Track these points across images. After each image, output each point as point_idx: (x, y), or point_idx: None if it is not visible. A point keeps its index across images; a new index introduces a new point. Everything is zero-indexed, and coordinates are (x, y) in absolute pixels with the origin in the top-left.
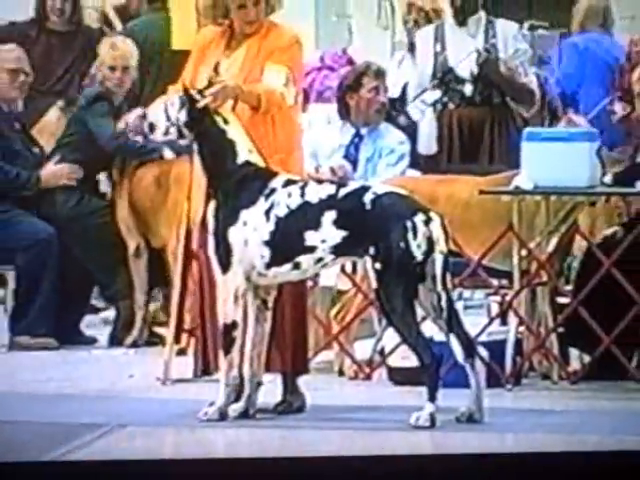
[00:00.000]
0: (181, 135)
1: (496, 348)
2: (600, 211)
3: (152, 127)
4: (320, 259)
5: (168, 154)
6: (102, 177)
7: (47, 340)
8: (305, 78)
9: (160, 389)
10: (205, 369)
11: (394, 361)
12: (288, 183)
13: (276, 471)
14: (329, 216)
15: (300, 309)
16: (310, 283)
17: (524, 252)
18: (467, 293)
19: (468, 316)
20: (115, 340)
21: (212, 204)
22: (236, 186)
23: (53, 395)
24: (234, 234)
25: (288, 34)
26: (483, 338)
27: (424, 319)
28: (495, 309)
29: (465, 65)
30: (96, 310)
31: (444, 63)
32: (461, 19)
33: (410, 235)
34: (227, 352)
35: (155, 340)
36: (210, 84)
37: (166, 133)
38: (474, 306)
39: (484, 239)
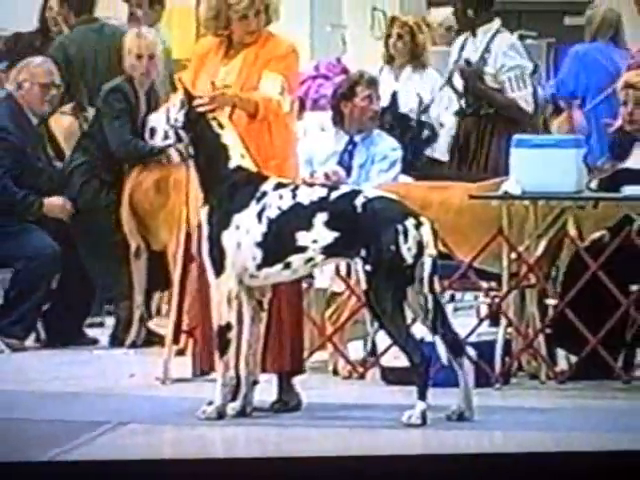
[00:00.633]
0: (179, 138)
1: (485, 348)
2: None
3: (152, 131)
4: (311, 259)
5: (176, 158)
6: None
7: (15, 342)
8: (300, 86)
9: (160, 388)
10: (203, 369)
11: (387, 361)
12: (279, 186)
13: (273, 469)
14: (321, 217)
15: (296, 311)
16: (305, 285)
17: (513, 255)
18: (458, 295)
19: (458, 317)
20: (116, 341)
21: (205, 208)
22: (229, 190)
23: (57, 393)
24: (227, 238)
25: (284, 44)
26: (473, 339)
27: (415, 320)
28: (485, 311)
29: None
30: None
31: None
32: (471, 30)
33: (401, 238)
34: (223, 353)
35: (155, 340)
36: (212, 89)
37: (165, 137)
38: (464, 307)
39: (475, 243)
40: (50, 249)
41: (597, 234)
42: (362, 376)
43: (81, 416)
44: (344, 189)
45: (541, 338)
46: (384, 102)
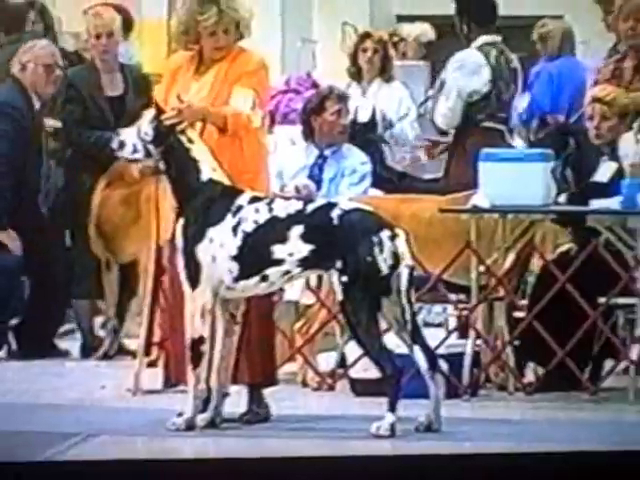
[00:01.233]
0: (148, 153)
1: (454, 360)
2: None
3: (121, 144)
4: (288, 272)
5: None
6: None
7: None
8: (271, 101)
9: (131, 400)
10: (174, 380)
11: (356, 373)
12: (254, 200)
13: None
14: (297, 230)
15: (267, 323)
16: (275, 297)
17: (482, 268)
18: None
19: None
20: (86, 352)
21: (180, 222)
22: (203, 204)
23: (28, 405)
24: (202, 251)
25: (255, 59)
26: (442, 351)
27: (386, 332)
28: (454, 323)
29: None
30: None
31: None
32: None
33: (377, 250)
34: (195, 366)
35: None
36: (180, 103)
37: (134, 151)
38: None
39: (445, 255)
40: (11, 263)
41: (565, 247)
42: (331, 387)
43: (52, 427)
44: (320, 202)
45: (509, 350)
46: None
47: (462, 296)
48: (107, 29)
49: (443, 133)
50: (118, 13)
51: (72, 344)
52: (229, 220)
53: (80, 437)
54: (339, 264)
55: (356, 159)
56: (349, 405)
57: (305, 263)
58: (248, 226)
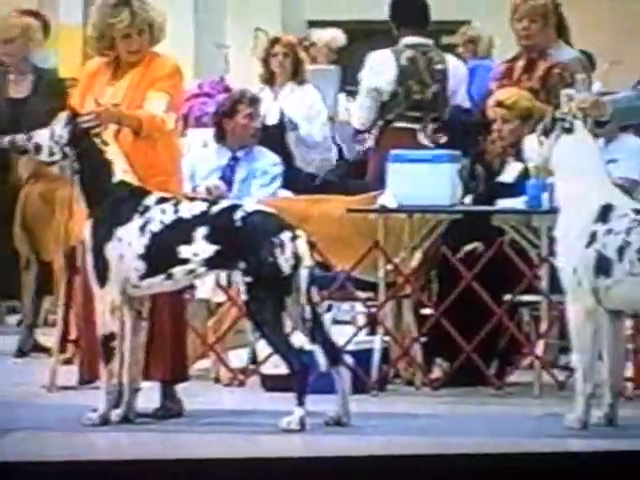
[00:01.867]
0: (65, 155)
1: (363, 356)
2: None
3: (38, 148)
4: (192, 271)
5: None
6: None
7: None
8: (184, 104)
9: (46, 396)
10: (89, 377)
11: (267, 369)
12: (161, 200)
13: (155, 473)
14: (201, 231)
15: (179, 321)
16: (187, 296)
17: (390, 266)
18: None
19: (337, 326)
20: None
21: (90, 222)
22: (112, 204)
23: None
24: (110, 250)
25: (169, 63)
26: (351, 347)
27: (294, 329)
28: (362, 320)
29: None
30: None
31: None
32: None
33: (278, 251)
34: (107, 361)
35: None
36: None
37: (51, 154)
38: (341, 320)
39: (355, 254)
40: None
41: (470, 246)
42: (243, 383)
43: None
44: (224, 204)
45: (417, 346)
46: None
47: (371, 294)
48: (7, 35)
49: (359, 132)
50: (35, 18)
51: None
52: (137, 220)
53: None
54: (242, 265)
55: (267, 161)
56: (260, 400)
57: (209, 263)
58: (155, 226)
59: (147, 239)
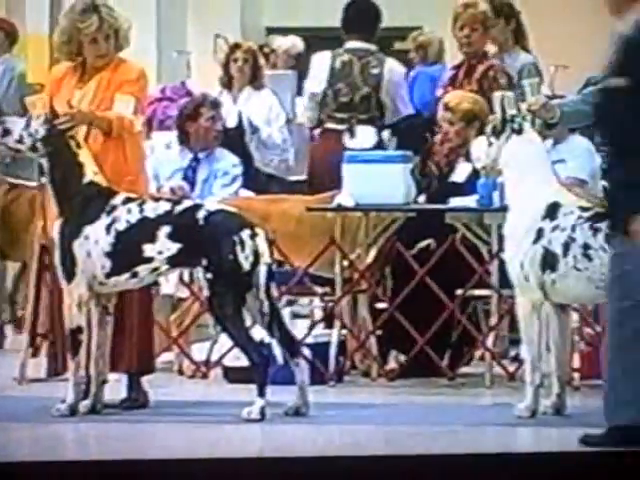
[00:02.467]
0: (34, 148)
1: (321, 349)
2: None
3: (6, 132)
4: (156, 269)
5: None
6: None
7: None
8: (148, 108)
9: (17, 388)
10: (57, 369)
11: (228, 361)
12: (127, 201)
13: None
14: (165, 230)
15: (146, 315)
16: (152, 292)
17: (346, 262)
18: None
19: (295, 320)
20: None
21: (59, 220)
22: (81, 204)
23: None
24: (78, 247)
25: (135, 68)
26: (309, 340)
27: (254, 323)
28: (320, 314)
29: None
30: None
31: None
32: None
33: (238, 248)
34: (74, 354)
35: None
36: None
37: (20, 141)
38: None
39: (313, 251)
40: None
41: (424, 243)
42: (205, 375)
43: None
44: (187, 203)
45: (373, 339)
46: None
47: (327, 289)
48: None
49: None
50: (1, 28)
51: None
52: (104, 219)
53: None
54: (204, 262)
55: (228, 162)
56: (222, 392)
57: (173, 261)
58: (121, 225)
59: (113, 237)
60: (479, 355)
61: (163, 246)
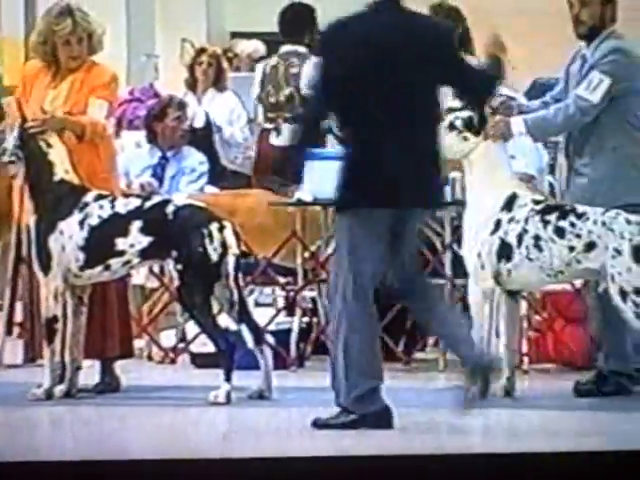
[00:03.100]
0: (18, 157)
1: (283, 336)
2: None
3: (4, 151)
4: (128, 262)
5: None
6: None
7: None
8: (118, 109)
9: None
10: (33, 356)
11: (195, 347)
12: (99, 197)
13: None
14: (136, 224)
15: (123, 303)
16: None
17: (307, 254)
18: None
19: (259, 309)
20: None
21: (34, 216)
22: (54, 201)
23: None
24: (53, 242)
25: (108, 72)
26: (272, 327)
27: (220, 311)
28: (282, 303)
29: None
30: None
31: None
32: None
33: (207, 241)
34: (50, 342)
35: None
36: (43, 113)
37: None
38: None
39: (276, 243)
40: None
41: None
42: (173, 361)
43: None
44: (157, 199)
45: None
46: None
47: (290, 279)
48: None
49: None
50: None
51: None
52: (77, 215)
53: None
54: (174, 254)
55: (194, 159)
56: (190, 376)
57: (144, 254)
58: (93, 220)
59: (86, 232)
60: (433, 341)
61: (134, 240)
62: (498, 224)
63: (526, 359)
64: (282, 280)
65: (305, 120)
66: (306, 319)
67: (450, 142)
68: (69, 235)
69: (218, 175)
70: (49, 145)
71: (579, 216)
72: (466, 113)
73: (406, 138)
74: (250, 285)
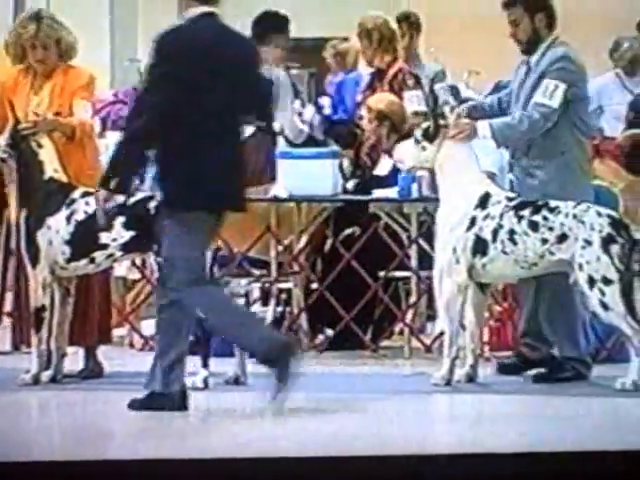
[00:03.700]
0: (10, 155)
1: None
2: None
3: None
4: (111, 255)
5: None
6: None
7: None
8: (103, 110)
9: None
10: (21, 343)
11: None
12: (85, 194)
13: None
14: (120, 220)
15: (105, 294)
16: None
17: (281, 248)
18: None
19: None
20: None
21: (24, 212)
22: (42, 198)
23: None
24: (41, 236)
25: (85, 74)
26: None
27: None
28: (257, 293)
29: None
30: None
31: None
32: None
33: None
34: (37, 330)
35: None
36: (35, 116)
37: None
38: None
39: (251, 237)
40: None
41: (349, 230)
42: (154, 348)
43: None
44: (139, 195)
45: (304, 315)
46: None
47: (264, 271)
48: None
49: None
50: None
51: None
52: (64, 211)
53: None
54: (155, 247)
55: None
56: None
57: (126, 247)
58: (79, 216)
59: (73, 227)
60: (399, 330)
61: (118, 234)
62: (473, 221)
63: (487, 347)
64: (257, 272)
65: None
66: (279, 309)
67: (413, 152)
68: (56, 230)
69: None
70: (40, 145)
71: (552, 210)
72: (425, 124)
73: (219, 146)
74: (227, 277)
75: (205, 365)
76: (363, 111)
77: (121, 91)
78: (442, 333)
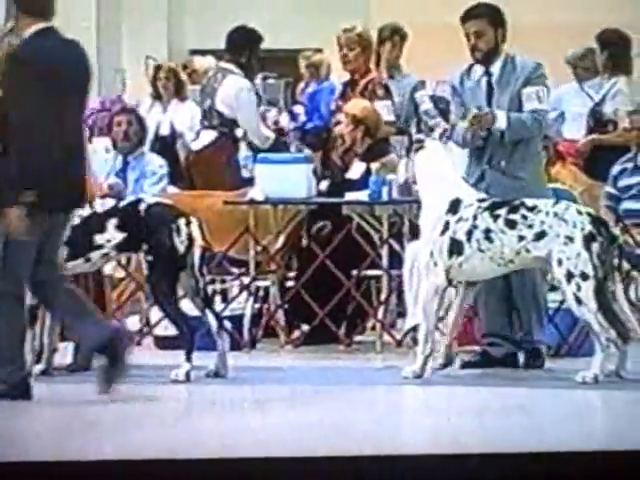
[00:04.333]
0: None
1: (237, 320)
2: None
3: None
4: (106, 254)
5: None
6: None
7: None
8: (90, 118)
9: None
10: None
11: (159, 331)
12: None
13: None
14: (112, 222)
15: (99, 292)
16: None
17: (259, 248)
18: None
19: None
20: None
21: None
22: None
23: None
24: None
25: None
26: (227, 313)
27: (181, 298)
28: (236, 290)
29: None
30: None
31: None
32: None
33: (175, 234)
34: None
35: None
36: None
37: None
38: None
39: (231, 238)
40: None
41: (320, 224)
42: (139, 343)
43: None
44: (130, 198)
45: (281, 312)
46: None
47: (243, 269)
48: None
49: None
50: None
51: None
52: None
53: None
54: (145, 247)
55: (155, 164)
56: (153, 357)
57: (119, 247)
58: (75, 220)
59: (69, 230)
60: (371, 325)
61: (111, 235)
62: (447, 225)
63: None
64: (236, 271)
65: None
66: (257, 305)
67: (399, 169)
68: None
69: (179, 176)
70: None
71: (531, 209)
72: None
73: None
74: (209, 275)
75: (188, 359)
76: (339, 117)
77: (107, 99)
78: (413, 328)
